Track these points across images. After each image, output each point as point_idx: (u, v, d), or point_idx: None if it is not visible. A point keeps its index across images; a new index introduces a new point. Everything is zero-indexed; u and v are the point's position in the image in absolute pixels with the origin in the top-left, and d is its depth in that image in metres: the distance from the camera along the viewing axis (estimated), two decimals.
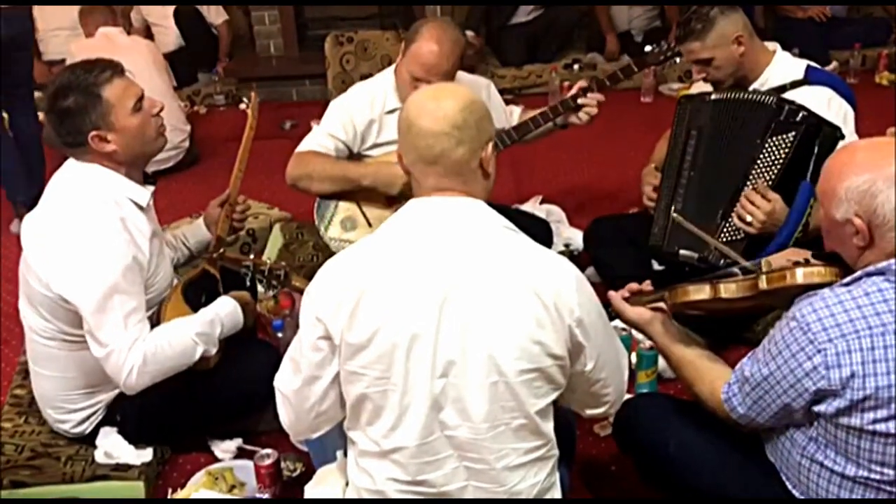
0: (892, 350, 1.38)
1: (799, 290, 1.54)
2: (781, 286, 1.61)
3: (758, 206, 2.23)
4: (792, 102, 2.30)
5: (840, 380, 1.40)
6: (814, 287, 1.52)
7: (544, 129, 2.70)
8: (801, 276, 1.59)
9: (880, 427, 1.41)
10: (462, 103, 1.47)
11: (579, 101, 2.61)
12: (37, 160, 3.73)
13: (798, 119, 2.25)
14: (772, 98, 2.34)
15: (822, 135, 2.25)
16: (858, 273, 1.46)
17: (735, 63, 2.46)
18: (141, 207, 2.06)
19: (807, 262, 1.62)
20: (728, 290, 1.70)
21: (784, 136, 2.26)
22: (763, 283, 1.65)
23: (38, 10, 5.46)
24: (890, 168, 1.42)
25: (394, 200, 2.57)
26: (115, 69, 2.00)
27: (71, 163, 2.06)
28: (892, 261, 1.42)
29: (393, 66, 2.63)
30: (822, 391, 1.43)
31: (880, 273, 1.43)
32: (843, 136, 2.29)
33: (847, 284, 1.47)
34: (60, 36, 5.40)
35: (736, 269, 1.80)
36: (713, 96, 2.49)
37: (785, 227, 2.20)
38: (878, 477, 1.46)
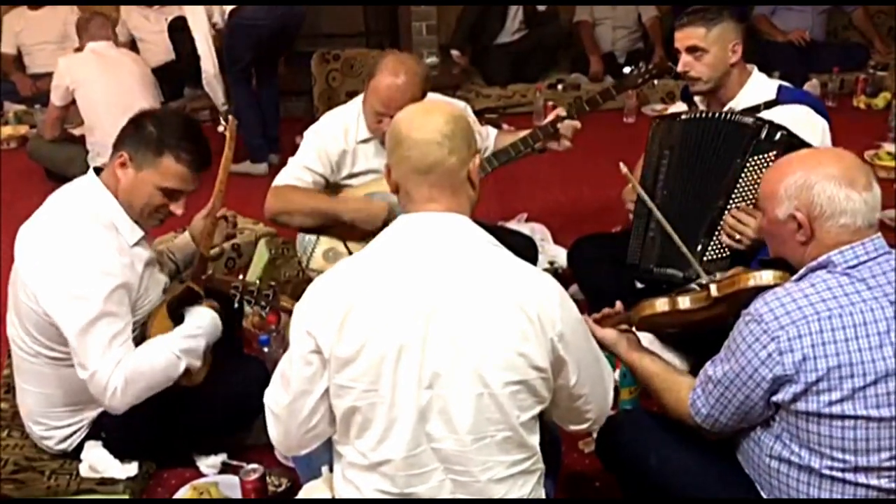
0: (839, 332, 1.48)
1: (751, 296, 1.62)
2: (732, 291, 1.72)
3: (746, 223, 2.25)
4: (770, 122, 2.33)
5: (794, 364, 1.49)
6: (763, 290, 1.61)
7: (523, 154, 2.74)
8: (749, 280, 1.70)
9: (836, 409, 1.49)
10: (449, 116, 1.54)
11: (557, 125, 2.66)
12: (272, 119, 4.70)
13: (777, 138, 2.28)
14: (751, 118, 2.36)
15: None
16: (803, 270, 1.58)
17: (724, 68, 2.47)
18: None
19: (754, 268, 1.73)
20: (684, 301, 1.82)
21: (765, 156, 2.28)
22: (714, 291, 1.76)
23: (24, 24, 5.50)
24: (822, 166, 1.56)
25: (374, 235, 2.57)
26: (198, 161, 2.05)
27: (78, 181, 2.09)
28: (832, 253, 1.53)
29: (363, 95, 2.63)
30: (779, 378, 1.51)
31: (822, 267, 1.55)
32: None
33: (795, 281, 1.58)
34: (46, 50, 5.41)
35: (694, 284, 1.88)
36: (684, 116, 2.53)
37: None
38: (840, 465, 1.52)
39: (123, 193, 2.04)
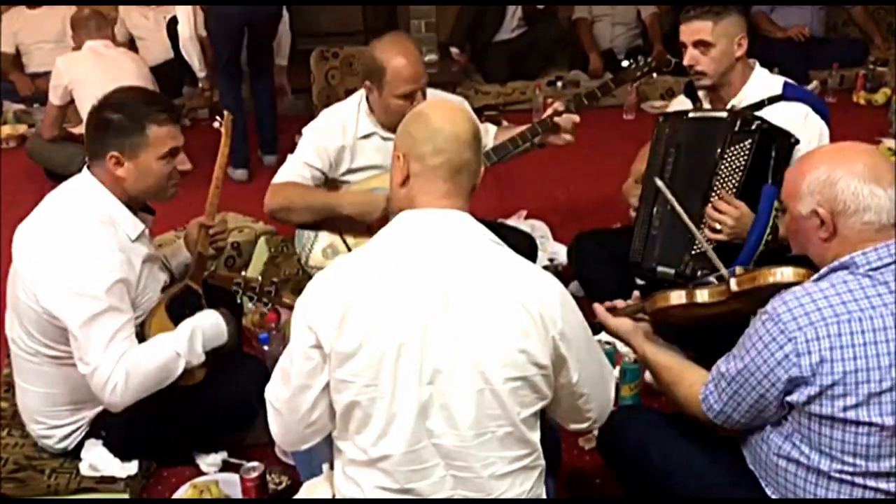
0: (857, 336, 1.45)
1: (771, 292, 1.60)
2: (752, 287, 1.71)
3: (725, 212, 2.27)
4: (746, 113, 2.36)
5: (810, 366, 1.46)
6: (784, 287, 1.59)
7: (522, 149, 2.73)
8: (770, 277, 1.68)
9: (850, 415, 1.46)
10: (470, 118, 1.58)
11: (555, 119, 2.65)
12: (267, 118, 4.70)
13: (752, 128, 2.31)
14: (725, 112, 2.40)
15: (777, 140, 2.32)
16: (825, 270, 1.55)
17: (729, 62, 2.48)
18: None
19: (777, 265, 1.70)
20: (702, 295, 1.80)
21: (741, 145, 2.31)
22: (734, 286, 1.74)
23: (22, 23, 5.50)
24: (846, 161, 1.53)
25: (374, 227, 2.58)
26: (172, 114, 2.07)
27: (74, 180, 2.08)
28: (854, 254, 1.50)
29: (362, 92, 2.64)
30: (794, 379, 1.49)
31: (844, 267, 1.51)
32: (797, 142, 2.35)
33: (816, 281, 1.54)
34: (44, 49, 5.40)
35: (712, 278, 1.87)
36: (690, 114, 2.53)
37: (753, 231, 2.24)
38: (850, 469, 1.50)
39: (134, 186, 2.05)
